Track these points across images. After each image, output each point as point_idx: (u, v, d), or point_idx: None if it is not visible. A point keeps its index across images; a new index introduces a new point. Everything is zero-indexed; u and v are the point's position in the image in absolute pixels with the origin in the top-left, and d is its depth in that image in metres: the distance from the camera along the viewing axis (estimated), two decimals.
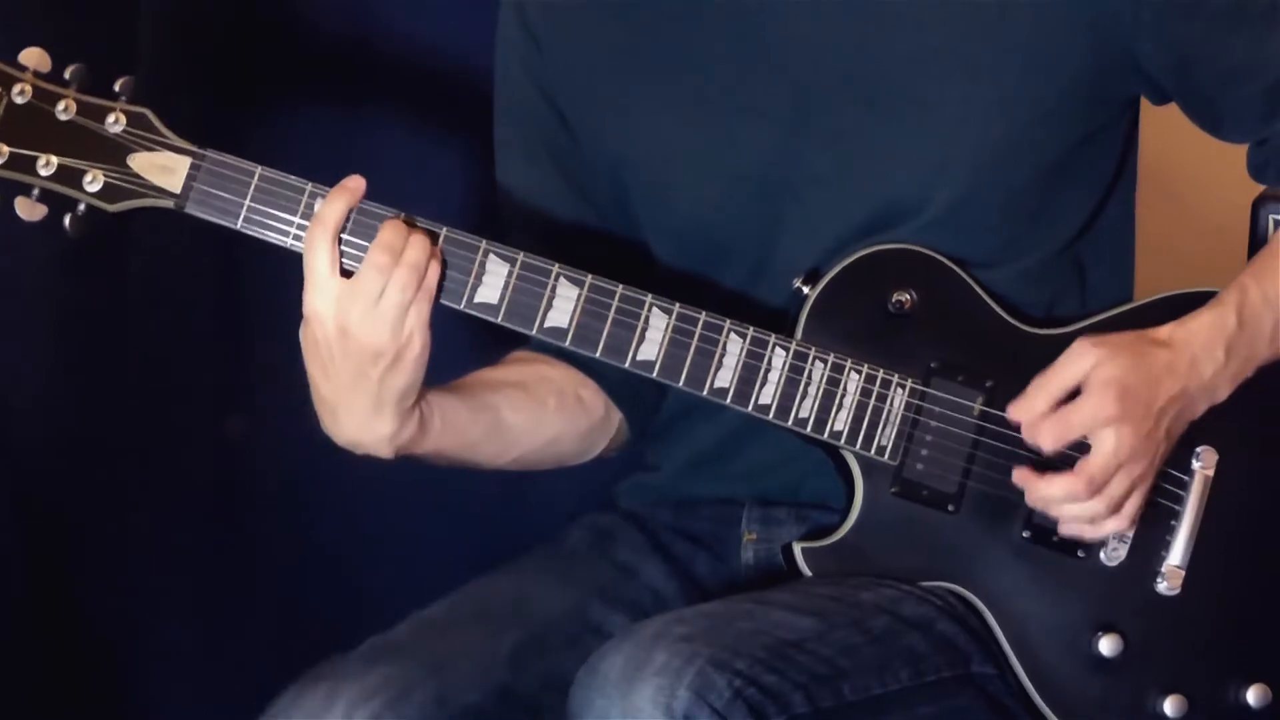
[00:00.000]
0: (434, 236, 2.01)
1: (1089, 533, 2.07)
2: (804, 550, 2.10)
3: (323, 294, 1.98)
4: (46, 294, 2.61)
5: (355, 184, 2.00)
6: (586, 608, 2.14)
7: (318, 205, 2.01)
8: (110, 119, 1.99)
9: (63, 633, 2.68)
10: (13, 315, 2.58)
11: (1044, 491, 2.05)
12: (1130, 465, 2.05)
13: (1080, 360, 2.04)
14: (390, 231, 1.99)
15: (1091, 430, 2.04)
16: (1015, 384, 2.09)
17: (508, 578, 2.18)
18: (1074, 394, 2.05)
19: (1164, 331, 2.08)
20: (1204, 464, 2.13)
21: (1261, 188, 2.21)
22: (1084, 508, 2.05)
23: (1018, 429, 2.06)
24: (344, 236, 1.99)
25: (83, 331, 2.67)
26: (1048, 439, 2.05)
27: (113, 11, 2.59)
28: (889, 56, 2.12)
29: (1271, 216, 2.22)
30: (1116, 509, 2.06)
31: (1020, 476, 2.06)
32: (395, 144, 2.70)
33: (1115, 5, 2.11)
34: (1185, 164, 2.29)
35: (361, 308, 1.97)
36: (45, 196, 1.98)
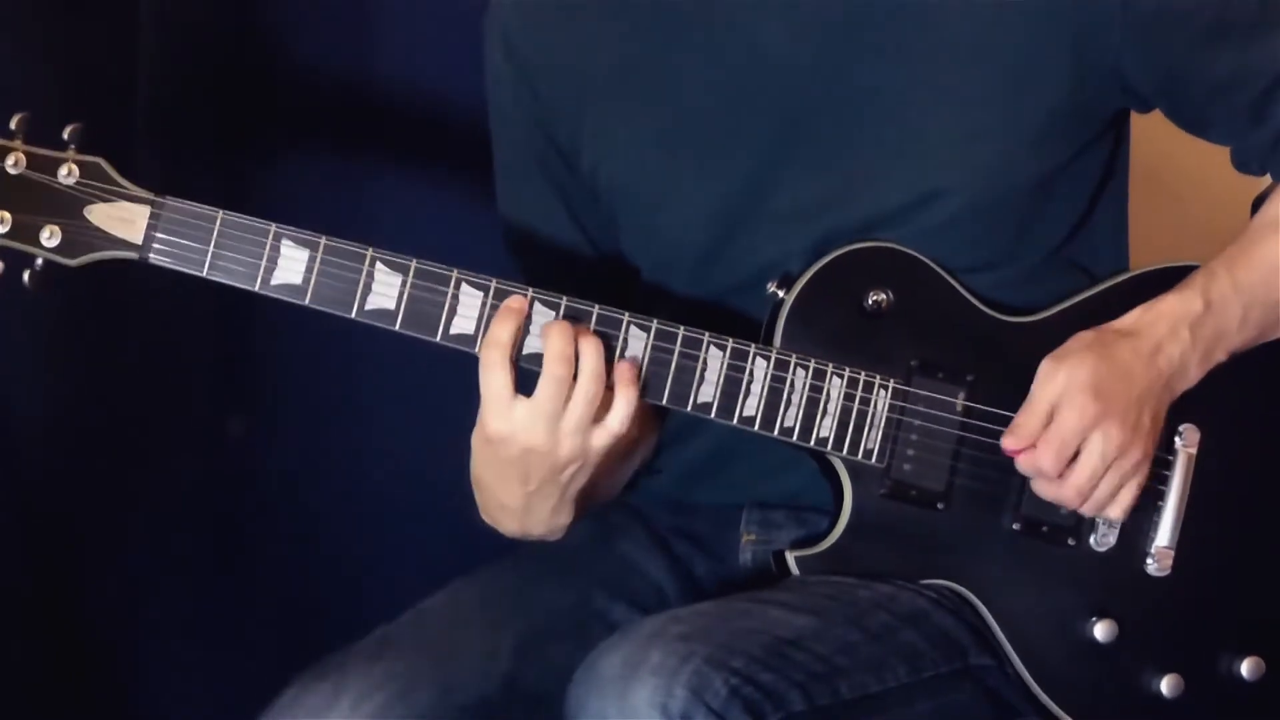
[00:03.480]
0: (588, 322, 1.84)
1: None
2: (797, 558, 1.94)
3: (504, 417, 1.81)
4: (47, 295, 2.43)
5: (519, 304, 1.83)
6: (590, 598, 1.99)
7: (284, 246, 1.82)
8: (62, 171, 1.77)
9: (63, 633, 2.55)
10: (14, 316, 2.41)
11: (1043, 493, 1.93)
12: (1120, 461, 1.90)
13: (1050, 380, 1.90)
14: (560, 338, 1.81)
15: (1082, 437, 1.89)
16: (995, 376, 1.94)
17: (510, 568, 2.03)
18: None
19: (1127, 320, 1.93)
20: (1186, 442, 1.97)
21: (1261, 186, 2.04)
22: (1079, 508, 1.93)
23: (1010, 455, 1.91)
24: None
25: (83, 332, 2.51)
26: (1048, 462, 1.90)
27: (112, 49, 2.41)
28: (873, 84, 1.95)
29: None
30: (1106, 504, 1.92)
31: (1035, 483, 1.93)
32: (395, 169, 2.55)
33: (1099, 27, 1.93)
34: (1183, 164, 2.13)
35: (547, 426, 1.81)
36: (1, 253, 1.78)
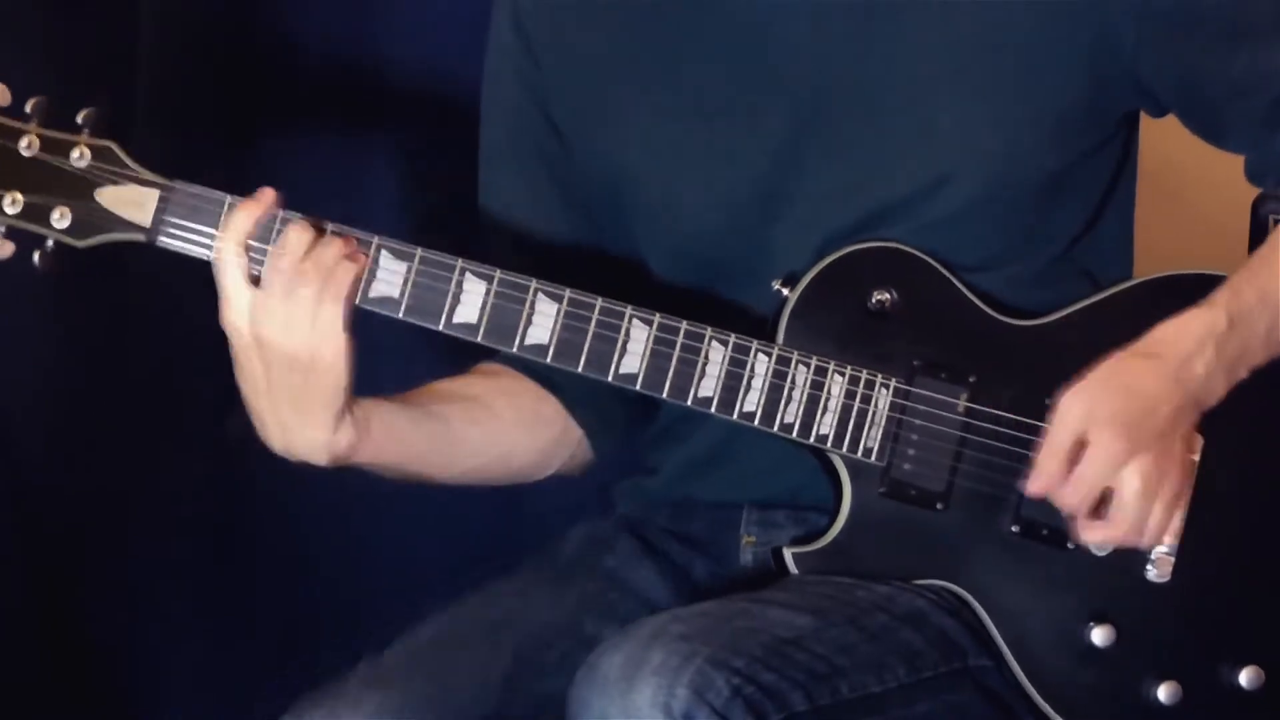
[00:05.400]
0: (364, 245, 1.83)
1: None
2: (795, 555, 1.94)
3: (234, 306, 1.82)
4: (47, 296, 2.46)
5: (266, 195, 1.83)
6: (580, 625, 1.98)
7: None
8: (75, 154, 1.79)
9: (63, 634, 2.55)
10: (14, 317, 2.42)
11: (1092, 539, 1.91)
12: (1162, 491, 1.88)
13: (1071, 415, 1.87)
14: (294, 235, 1.81)
15: (1110, 476, 1.87)
16: (998, 378, 1.93)
17: (501, 595, 2.02)
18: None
19: (1150, 340, 1.89)
20: (1190, 449, 1.94)
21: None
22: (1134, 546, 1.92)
23: (1034, 497, 1.90)
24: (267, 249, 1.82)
25: (83, 334, 2.52)
26: (1075, 500, 1.87)
27: (112, 41, 2.43)
28: (888, 74, 1.95)
29: (1272, 216, 2.03)
30: (1157, 535, 1.91)
31: (1077, 525, 1.90)
32: (389, 158, 2.55)
33: (1114, 26, 1.93)
34: (1185, 164, 2.12)
35: (269, 313, 1.80)
36: (12, 234, 1.79)
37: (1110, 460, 1.85)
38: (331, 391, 1.83)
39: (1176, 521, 1.91)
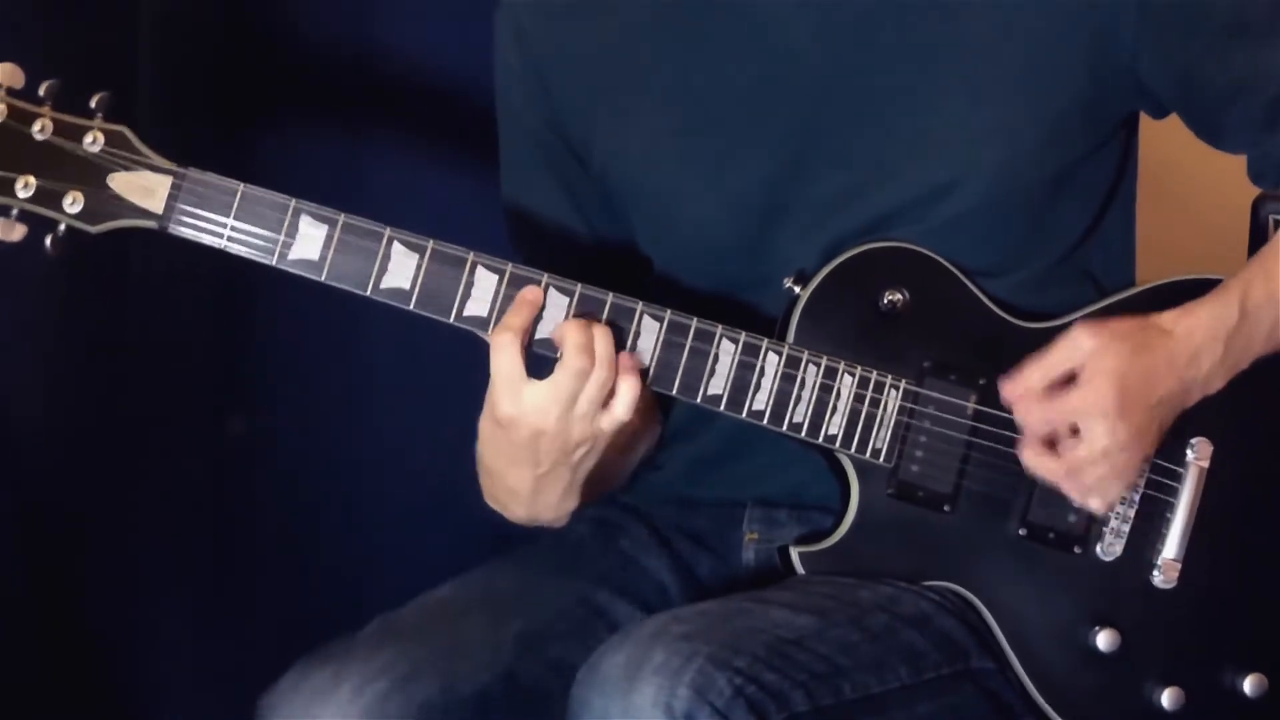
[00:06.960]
0: (602, 309, 1.85)
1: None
2: (801, 554, 1.93)
3: (514, 400, 1.82)
4: (48, 294, 2.44)
5: (535, 296, 1.83)
6: (593, 595, 1.97)
7: (303, 222, 1.81)
8: (88, 139, 1.77)
9: (63, 633, 2.53)
10: (14, 316, 2.41)
11: (1027, 461, 1.89)
12: (1116, 456, 1.87)
13: (1079, 344, 1.87)
14: (579, 330, 1.82)
15: (1083, 419, 1.86)
16: None
17: (514, 565, 2.02)
18: (1071, 377, 1.88)
19: (1167, 320, 1.90)
20: (1198, 455, 1.95)
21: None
22: (1060, 487, 1.90)
23: (1009, 409, 1.89)
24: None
25: (84, 332, 2.50)
26: (1037, 419, 1.87)
27: (112, 30, 2.41)
28: (891, 78, 1.94)
29: (1272, 216, 2.04)
30: (1092, 493, 1.89)
31: (1024, 442, 1.89)
32: (389, 155, 2.54)
33: (1115, 26, 1.92)
34: (1185, 164, 2.12)
35: (560, 410, 1.81)
36: (24, 217, 1.77)
37: (1093, 405, 1.85)
38: (592, 466, 1.88)
39: (1114, 491, 1.89)
